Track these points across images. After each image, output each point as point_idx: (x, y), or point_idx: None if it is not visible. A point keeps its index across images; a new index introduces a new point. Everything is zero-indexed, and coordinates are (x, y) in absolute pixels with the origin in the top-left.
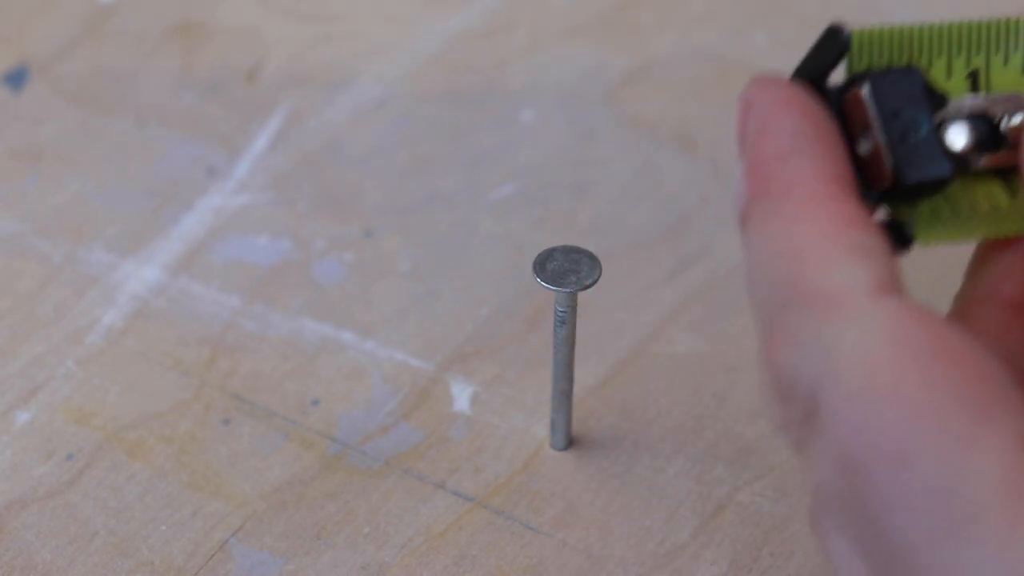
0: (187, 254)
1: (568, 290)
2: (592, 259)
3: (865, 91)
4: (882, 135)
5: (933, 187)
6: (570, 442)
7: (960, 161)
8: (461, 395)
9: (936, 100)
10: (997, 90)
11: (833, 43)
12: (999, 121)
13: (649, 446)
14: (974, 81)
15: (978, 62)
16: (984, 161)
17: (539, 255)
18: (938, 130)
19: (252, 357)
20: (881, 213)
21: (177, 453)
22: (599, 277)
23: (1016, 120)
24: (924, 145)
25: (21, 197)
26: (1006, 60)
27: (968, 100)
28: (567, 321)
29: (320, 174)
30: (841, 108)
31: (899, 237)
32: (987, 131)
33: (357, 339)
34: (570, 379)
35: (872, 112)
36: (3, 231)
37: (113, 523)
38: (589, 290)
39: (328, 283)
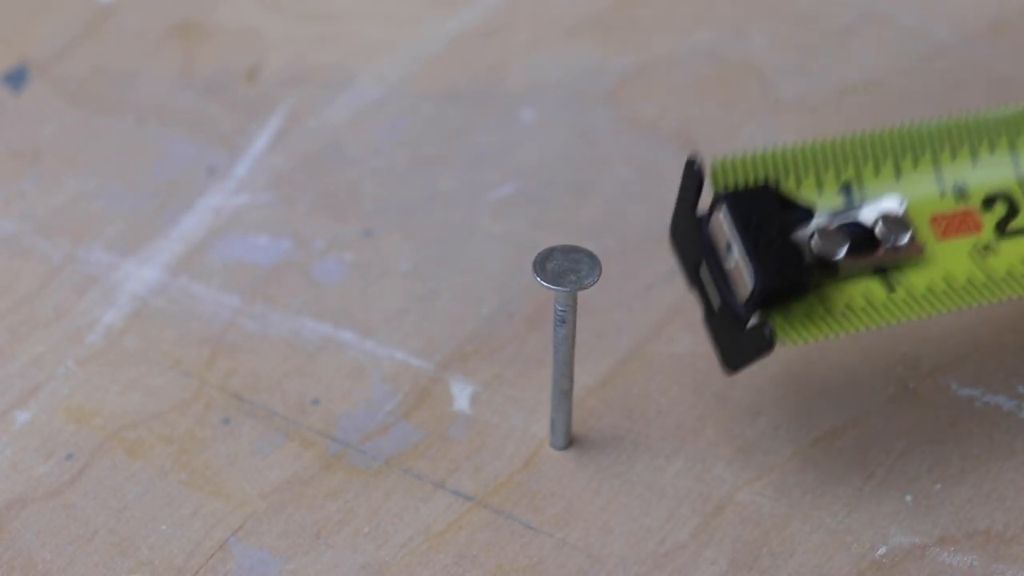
0: (187, 254)
1: (568, 289)
2: (592, 259)
3: (722, 211)
4: (740, 248)
5: (793, 291)
6: (570, 442)
7: (827, 265)
8: (461, 394)
9: (799, 212)
10: (871, 198)
11: (690, 175)
12: (874, 225)
13: (649, 446)
14: (848, 193)
15: (848, 175)
16: (858, 263)
17: (539, 254)
18: (791, 237)
19: (252, 357)
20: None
21: (177, 453)
22: (599, 277)
23: (889, 222)
24: (778, 253)
25: (21, 197)
26: (877, 170)
27: (838, 210)
28: (567, 321)
29: (320, 174)
30: (709, 231)
31: (761, 340)
32: (861, 235)
33: (357, 339)
34: (570, 379)
35: (728, 228)
36: (3, 231)
37: (113, 523)
38: (589, 290)
39: (328, 283)
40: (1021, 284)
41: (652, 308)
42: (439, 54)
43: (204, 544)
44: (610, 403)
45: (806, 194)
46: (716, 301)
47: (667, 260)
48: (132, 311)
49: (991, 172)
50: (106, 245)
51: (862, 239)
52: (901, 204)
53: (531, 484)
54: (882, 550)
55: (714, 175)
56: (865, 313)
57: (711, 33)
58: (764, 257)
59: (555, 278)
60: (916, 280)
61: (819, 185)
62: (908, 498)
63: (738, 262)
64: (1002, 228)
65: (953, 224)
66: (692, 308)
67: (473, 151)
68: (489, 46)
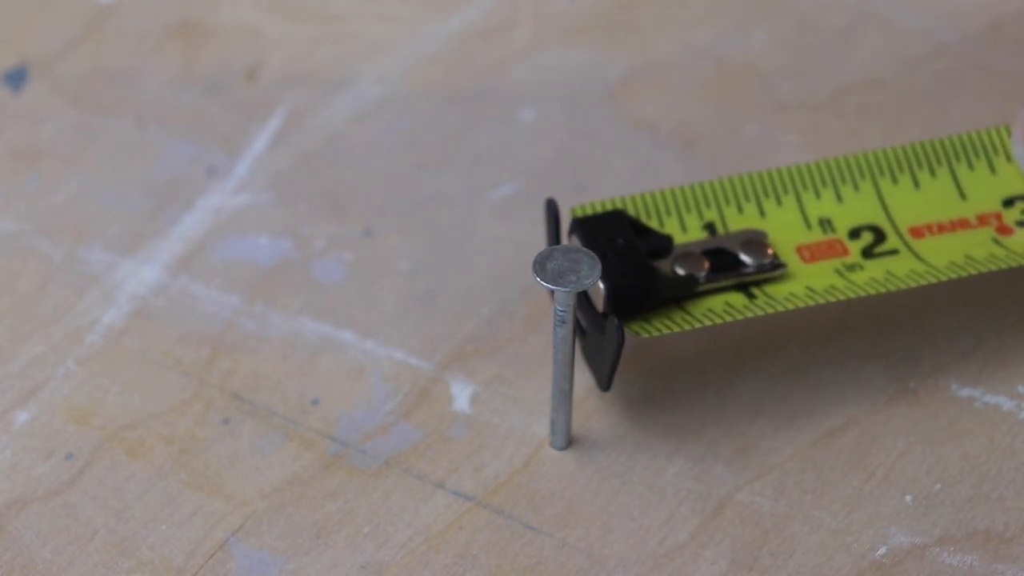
0: (187, 254)
1: (568, 289)
2: (592, 259)
3: (574, 236)
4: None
5: (646, 295)
6: (570, 442)
7: (689, 283)
8: (461, 394)
9: (657, 239)
10: (735, 232)
11: (548, 212)
12: (737, 249)
13: (649, 446)
14: (712, 231)
15: (711, 215)
16: (720, 280)
17: (539, 254)
18: (645, 258)
19: (252, 357)
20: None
21: (177, 453)
22: (599, 277)
23: (753, 246)
24: (626, 261)
25: (21, 197)
26: (740, 209)
27: (699, 240)
28: (567, 321)
29: (320, 174)
30: None
31: (612, 336)
32: (724, 258)
33: (357, 339)
34: (570, 379)
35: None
36: (3, 231)
37: (113, 523)
38: (587, 289)
39: (328, 283)
40: (882, 286)
41: None
42: (439, 54)
43: (204, 544)
44: (610, 403)
45: (670, 233)
46: (585, 324)
47: None
48: (132, 311)
49: (856, 208)
50: (106, 245)
51: (725, 263)
52: (765, 235)
53: (531, 484)
54: (882, 550)
55: (573, 215)
56: (726, 314)
57: (711, 33)
58: (611, 264)
59: (555, 278)
60: (778, 290)
61: (682, 225)
62: (908, 498)
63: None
64: (868, 252)
65: (820, 251)
66: None
67: (473, 151)
68: (489, 46)
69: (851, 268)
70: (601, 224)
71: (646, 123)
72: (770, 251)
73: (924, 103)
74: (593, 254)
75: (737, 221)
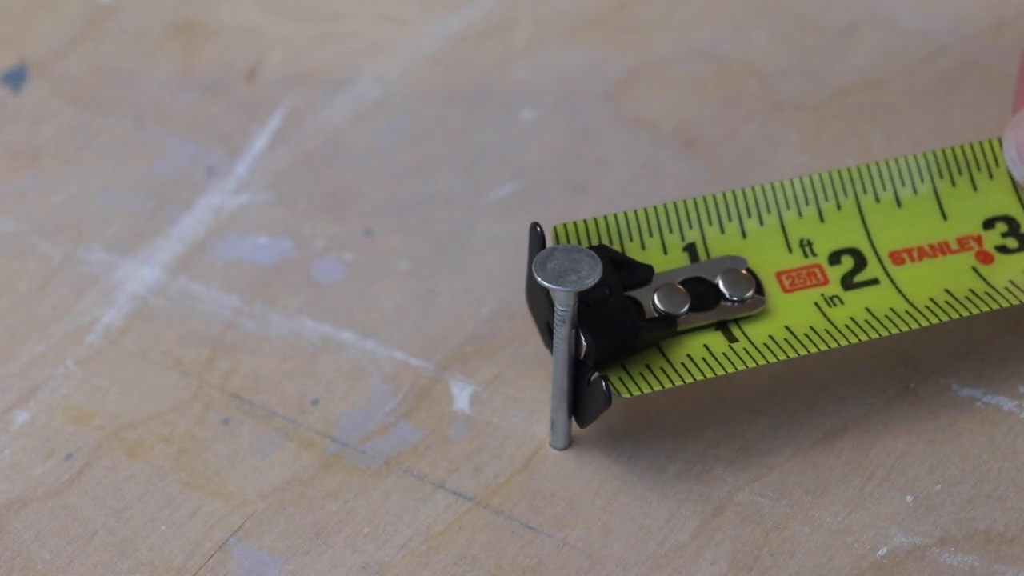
0: (187, 254)
1: (569, 289)
2: (592, 258)
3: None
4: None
5: (627, 347)
6: (570, 442)
7: (669, 320)
8: (461, 394)
9: (639, 271)
10: (716, 256)
11: (533, 238)
12: (717, 281)
13: (649, 446)
14: (693, 253)
15: (692, 236)
16: (700, 318)
17: (540, 254)
18: (627, 295)
19: (252, 357)
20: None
21: (177, 453)
22: (600, 277)
23: (733, 278)
24: (610, 312)
25: (21, 197)
26: (722, 230)
27: (679, 268)
28: (567, 320)
29: (320, 174)
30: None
31: (599, 395)
32: (704, 291)
33: (357, 339)
34: (570, 378)
35: None
36: (3, 231)
37: (112, 523)
38: (588, 289)
39: (328, 283)
40: (861, 331)
41: None
42: (439, 54)
43: (204, 544)
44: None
45: (652, 255)
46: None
47: None
48: (132, 311)
49: (838, 229)
50: (106, 245)
51: (705, 295)
52: (745, 262)
53: (531, 484)
54: (882, 550)
55: (556, 239)
56: (705, 364)
57: (711, 33)
58: (595, 317)
59: (556, 278)
60: (757, 331)
61: (663, 246)
62: (908, 498)
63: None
64: (848, 281)
65: (800, 279)
66: None
67: (473, 151)
68: (489, 46)
69: (831, 302)
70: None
71: (646, 123)
72: (752, 285)
73: (924, 103)
74: (593, 254)
75: (719, 243)
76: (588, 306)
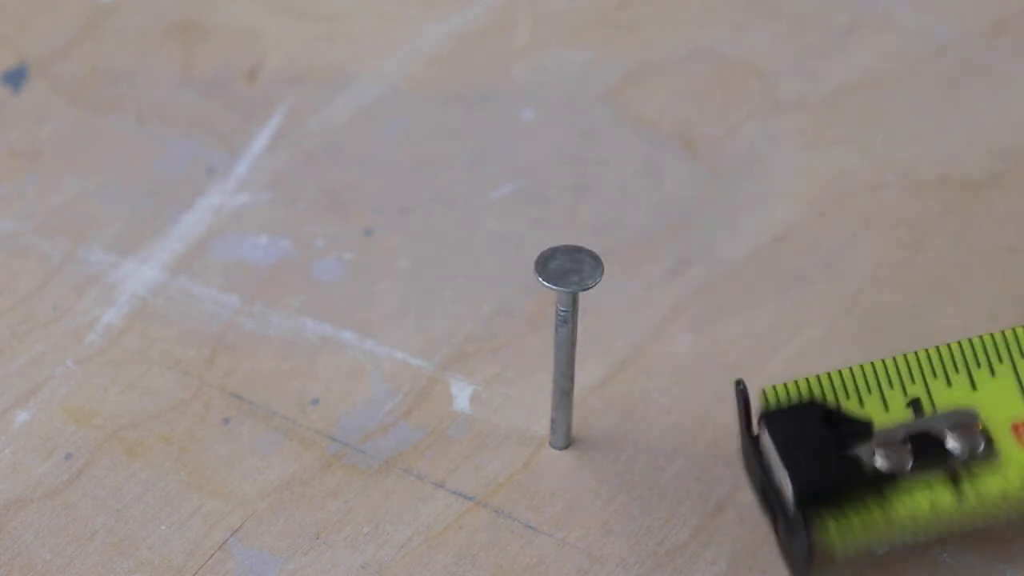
0: (187, 254)
1: (570, 290)
2: (594, 259)
3: (765, 430)
4: (779, 464)
5: (840, 494)
6: (570, 442)
7: (891, 477)
8: (461, 394)
9: (855, 426)
10: (944, 410)
11: (737, 397)
12: (945, 436)
13: (649, 446)
14: (917, 408)
15: (916, 391)
16: (926, 475)
17: (541, 254)
18: (843, 451)
19: (252, 357)
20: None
21: (177, 452)
22: (601, 277)
23: (963, 433)
24: (818, 461)
25: (20, 197)
26: (949, 382)
27: (902, 423)
28: (568, 321)
29: (320, 174)
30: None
31: (807, 548)
32: (930, 445)
33: (357, 338)
34: (571, 378)
35: (770, 447)
36: (2, 230)
37: (112, 522)
38: (589, 289)
39: (328, 282)
40: None
41: (652, 308)
42: (439, 54)
43: (204, 544)
44: (610, 403)
45: (871, 412)
46: (779, 519)
47: (667, 260)
48: (132, 311)
49: None
50: (106, 245)
51: (931, 450)
52: (977, 415)
53: (531, 484)
54: (882, 550)
55: (763, 400)
56: (929, 523)
57: (711, 33)
58: (800, 466)
59: (557, 278)
60: (989, 485)
61: (884, 404)
62: None
63: (780, 479)
64: None
65: None
66: (692, 308)
67: (473, 151)
68: (489, 46)
69: None
70: (792, 420)
71: (646, 123)
72: (983, 440)
73: (924, 103)
74: (595, 254)
75: (945, 395)
76: (795, 460)
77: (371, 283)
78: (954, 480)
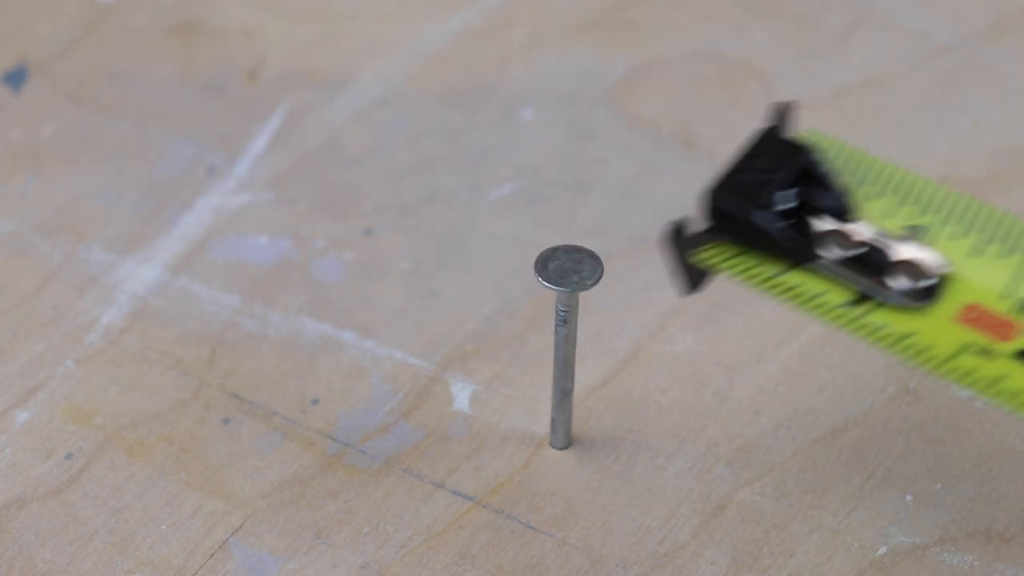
0: (187, 253)
1: (570, 290)
2: (594, 259)
3: (758, 132)
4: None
5: (746, 231)
6: (570, 441)
7: (808, 250)
8: (461, 394)
9: (829, 196)
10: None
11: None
12: (899, 260)
13: (649, 446)
14: (913, 235)
15: (926, 221)
16: (851, 275)
17: (541, 254)
18: (801, 213)
19: (252, 356)
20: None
21: (177, 452)
22: (601, 277)
23: (916, 270)
24: (753, 191)
25: (20, 196)
26: (954, 238)
27: (879, 229)
28: (568, 321)
29: (320, 174)
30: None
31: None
32: (877, 263)
33: (357, 338)
34: (571, 378)
35: (746, 148)
36: (2, 230)
37: (112, 522)
38: (589, 289)
39: (328, 282)
40: (1012, 403)
41: (652, 308)
42: (439, 54)
43: (204, 544)
44: (610, 403)
45: (869, 213)
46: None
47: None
48: (132, 311)
49: None
50: (106, 245)
51: (874, 265)
52: (947, 268)
53: (531, 484)
54: (882, 550)
55: (801, 134)
56: (810, 301)
57: (711, 33)
58: (737, 184)
59: (557, 278)
60: (893, 322)
61: (887, 211)
62: (908, 498)
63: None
64: None
65: (982, 321)
66: (692, 308)
67: (473, 151)
68: (489, 46)
69: (987, 353)
70: (780, 147)
71: (646, 123)
72: (930, 287)
73: (924, 103)
74: (595, 254)
75: (947, 245)
76: (739, 170)
77: (371, 283)
78: (861, 297)
